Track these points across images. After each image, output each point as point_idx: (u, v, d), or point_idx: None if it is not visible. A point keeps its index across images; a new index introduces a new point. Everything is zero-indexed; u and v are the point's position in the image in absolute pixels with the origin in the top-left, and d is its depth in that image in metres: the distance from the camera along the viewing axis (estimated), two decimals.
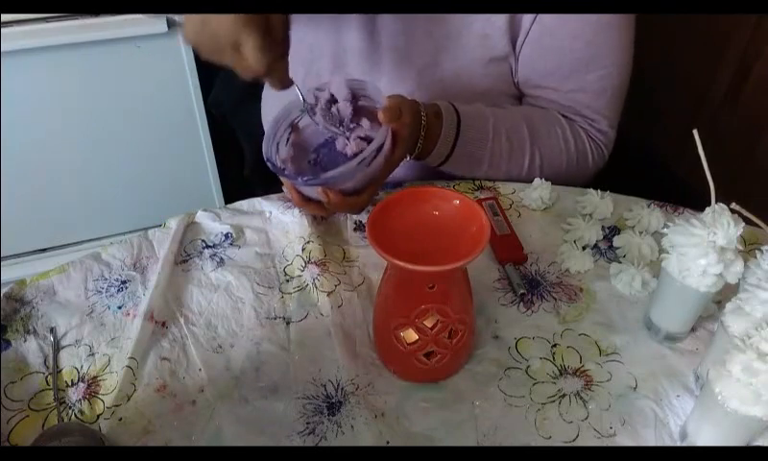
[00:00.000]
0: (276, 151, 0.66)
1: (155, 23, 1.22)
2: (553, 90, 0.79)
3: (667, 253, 0.56)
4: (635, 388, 0.55)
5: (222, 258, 0.68)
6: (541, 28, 0.74)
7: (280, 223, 0.72)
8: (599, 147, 0.83)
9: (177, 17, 1.21)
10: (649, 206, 0.73)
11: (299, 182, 0.63)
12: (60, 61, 1.22)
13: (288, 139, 0.69)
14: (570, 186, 0.78)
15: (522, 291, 0.63)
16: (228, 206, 0.75)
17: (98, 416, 0.54)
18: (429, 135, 0.72)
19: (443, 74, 0.79)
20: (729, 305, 0.51)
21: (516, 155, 0.78)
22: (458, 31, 0.77)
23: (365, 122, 0.68)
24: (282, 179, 0.66)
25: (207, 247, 0.70)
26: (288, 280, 0.66)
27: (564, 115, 0.81)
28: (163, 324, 0.61)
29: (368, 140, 0.66)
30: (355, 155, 0.64)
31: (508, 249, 0.68)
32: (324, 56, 0.84)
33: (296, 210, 0.72)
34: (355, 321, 0.62)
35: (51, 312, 0.62)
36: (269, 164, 0.64)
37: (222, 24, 0.57)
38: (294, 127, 0.69)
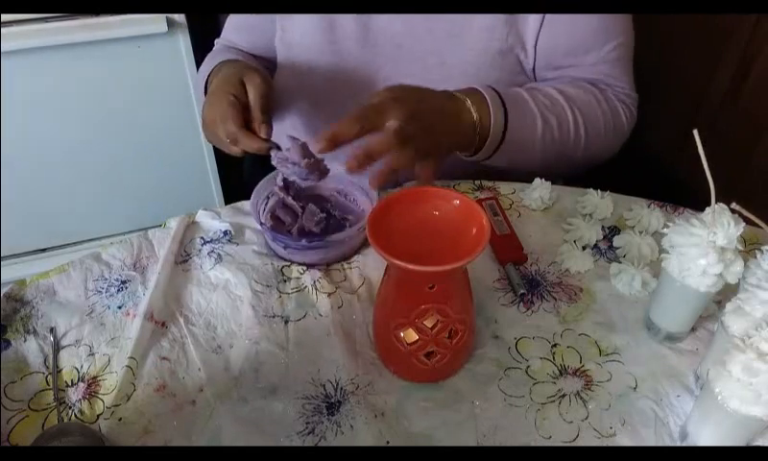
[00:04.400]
0: (262, 211, 0.70)
1: (155, 23, 1.22)
2: (575, 67, 0.80)
3: (667, 253, 0.56)
4: (635, 388, 0.55)
5: (220, 254, 0.68)
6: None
7: None
8: (628, 107, 0.83)
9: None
10: (649, 207, 0.73)
11: (301, 244, 0.66)
12: (60, 61, 1.22)
13: (265, 208, 0.71)
14: (607, 155, 0.81)
15: (522, 291, 0.63)
16: (229, 205, 0.75)
17: (98, 416, 0.54)
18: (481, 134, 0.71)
19: (449, 70, 0.79)
20: (729, 305, 0.51)
21: (563, 126, 0.77)
22: (461, 25, 0.77)
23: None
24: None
25: (206, 243, 0.70)
26: (286, 281, 0.66)
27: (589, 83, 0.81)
28: (163, 324, 0.61)
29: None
30: (309, 232, 0.68)
31: (508, 249, 0.68)
32: (321, 67, 0.84)
33: None
34: (355, 321, 0.62)
35: (51, 312, 0.62)
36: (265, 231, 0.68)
37: (207, 118, 0.72)
38: (269, 198, 0.72)
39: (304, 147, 0.65)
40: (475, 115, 0.69)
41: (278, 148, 0.67)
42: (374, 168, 0.60)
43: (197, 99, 1.34)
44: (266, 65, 0.91)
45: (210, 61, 0.87)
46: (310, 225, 0.68)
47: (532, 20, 0.77)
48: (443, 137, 0.67)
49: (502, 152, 0.74)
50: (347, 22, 0.81)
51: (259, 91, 0.70)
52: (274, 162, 0.67)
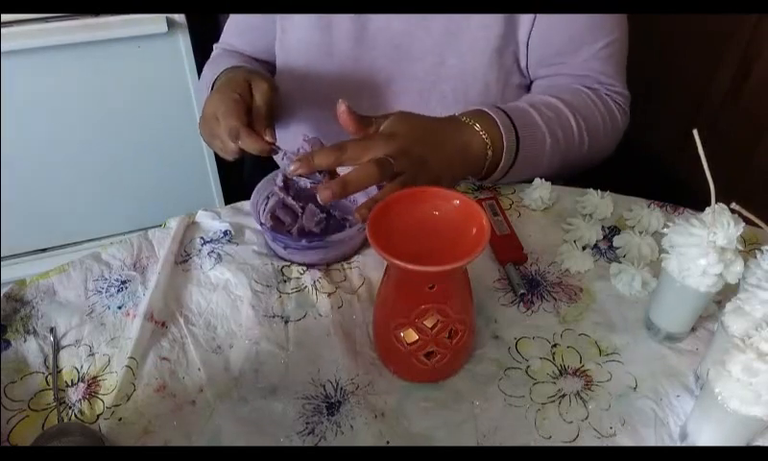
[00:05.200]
0: (262, 211, 0.70)
1: (155, 23, 1.22)
2: (567, 64, 0.80)
3: (667, 253, 0.56)
4: (635, 388, 0.55)
5: (219, 254, 0.68)
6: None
7: None
8: (621, 106, 0.83)
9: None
10: (649, 207, 0.73)
11: (301, 245, 0.66)
12: (60, 61, 1.22)
13: (265, 208, 0.71)
14: (604, 156, 0.81)
15: (522, 291, 0.63)
16: (229, 205, 0.75)
17: (98, 416, 0.54)
18: (492, 164, 0.71)
19: (448, 70, 0.79)
20: (729, 305, 0.51)
21: (568, 135, 0.76)
22: (458, 25, 0.77)
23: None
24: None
25: (206, 243, 0.70)
26: (286, 281, 0.66)
27: (582, 86, 0.81)
28: (163, 324, 0.61)
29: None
30: (309, 232, 0.67)
31: (508, 249, 0.68)
32: (320, 69, 0.84)
33: None
34: (355, 321, 0.62)
35: (51, 312, 0.62)
36: (265, 230, 0.67)
37: (207, 113, 0.71)
38: (269, 198, 0.72)
39: (321, 144, 0.65)
40: (488, 142, 0.68)
41: (281, 151, 0.67)
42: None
43: (197, 101, 1.34)
44: (268, 69, 0.91)
45: (212, 67, 0.87)
46: (310, 225, 0.68)
47: (524, 17, 0.76)
48: (444, 169, 0.64)
49: (512, 173, 0.74)
50: (344, 23, 0.81)
51: (265, 97, 0.70)
52: (283, 160, 0.66)
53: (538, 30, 0.77)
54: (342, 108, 0.61)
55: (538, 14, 0.76)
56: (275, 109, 0.72)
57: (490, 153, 0.69)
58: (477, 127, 0.68)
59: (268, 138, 0.68)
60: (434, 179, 0.62)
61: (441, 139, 0.65)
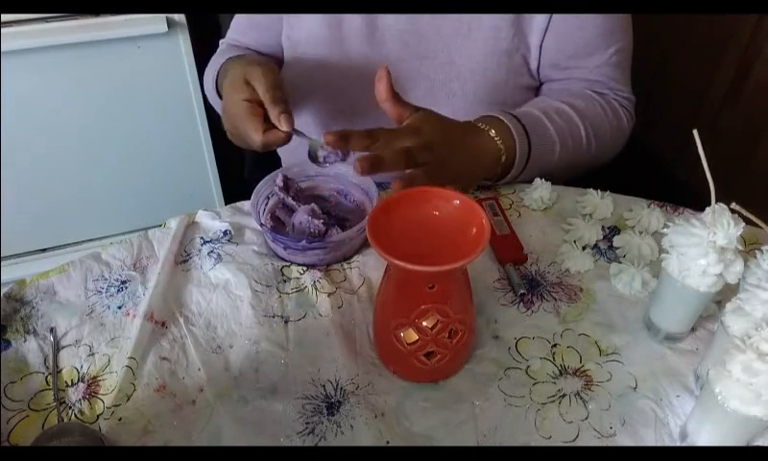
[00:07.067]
0: (262, 211, 0.71)
1: (155, 23, 1.22)
2: (580, 69, 0.81)
3: (667, 253, 0.56)
4: (635, 388, 0.55)
5: (219, 254, 0.68)
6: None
7: None
8: (628, 110, 0.85)
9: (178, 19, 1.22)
10: (649, 206, 0.73)
11: (301, 245, 0.66)
12: (60, 61, 1.22)
13: (265, 208, 0.72)
14: (608, 159, 0.83)
15: (522, 291, 0.63)
16: (229, 205, 0.75)
17: (98, 416, 0.54)
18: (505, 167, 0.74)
19: (458, 69, 0.80)
20: (729, 305, 0.51)
21: (577, 144, 0.78)
22: (468, 25, 0.78)
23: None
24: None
25: (206, 243, 0.70)
26: (286, 281, 0.66)
27: (593, 91, 0.83)
28: (163, 324, 0.61)
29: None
30: (314, 234, 0.67)
31: (508, 249, 0.68)
32: (329, 64, 0.84)
33: None
34: (355, 321, 0.62)
35: (51, 312, 0.62)
36: (264, 230, 0.68)
37: (231, 131, 0.74)
38: (269, 198, 0.73)
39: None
40: (501, 148, 0.70)
41: (302, 134, 0.68)
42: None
43: (197, 100, 1.34)
44: (275, 62, 0.91)
45: (215, 62, 0.87)
46: (303, 226, 0.68)
47: (537, 22, 0.77)
48: (461, 171, 0.67)
49: (520, 178, 0.76)
50: (354, 20, 0.81)
51: (265, 85, 0.69)
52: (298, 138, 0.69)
53: (551, 36, 0.78)
54: (383, 71, 0.64)
55: (551, 21, 0.77)
56: (281, 90, 0.71)
57: (503, 158, 0.71)
58: (492, 133, 0.71)
59: (284, 127, 0.68)
60: (451, 179, 0.64)
61: (460, 143, 0.68)
